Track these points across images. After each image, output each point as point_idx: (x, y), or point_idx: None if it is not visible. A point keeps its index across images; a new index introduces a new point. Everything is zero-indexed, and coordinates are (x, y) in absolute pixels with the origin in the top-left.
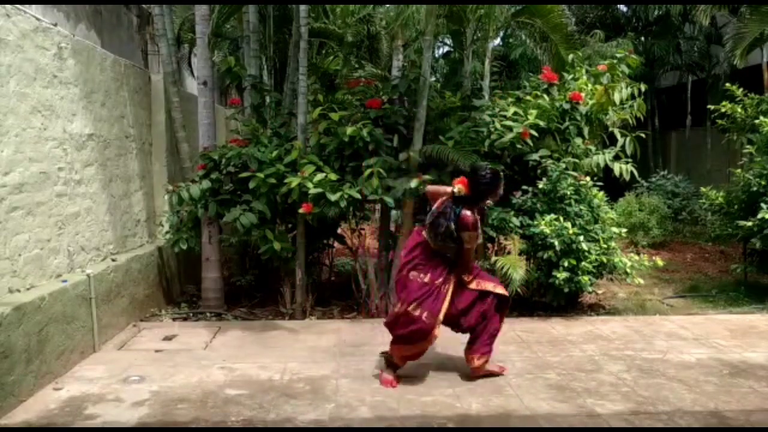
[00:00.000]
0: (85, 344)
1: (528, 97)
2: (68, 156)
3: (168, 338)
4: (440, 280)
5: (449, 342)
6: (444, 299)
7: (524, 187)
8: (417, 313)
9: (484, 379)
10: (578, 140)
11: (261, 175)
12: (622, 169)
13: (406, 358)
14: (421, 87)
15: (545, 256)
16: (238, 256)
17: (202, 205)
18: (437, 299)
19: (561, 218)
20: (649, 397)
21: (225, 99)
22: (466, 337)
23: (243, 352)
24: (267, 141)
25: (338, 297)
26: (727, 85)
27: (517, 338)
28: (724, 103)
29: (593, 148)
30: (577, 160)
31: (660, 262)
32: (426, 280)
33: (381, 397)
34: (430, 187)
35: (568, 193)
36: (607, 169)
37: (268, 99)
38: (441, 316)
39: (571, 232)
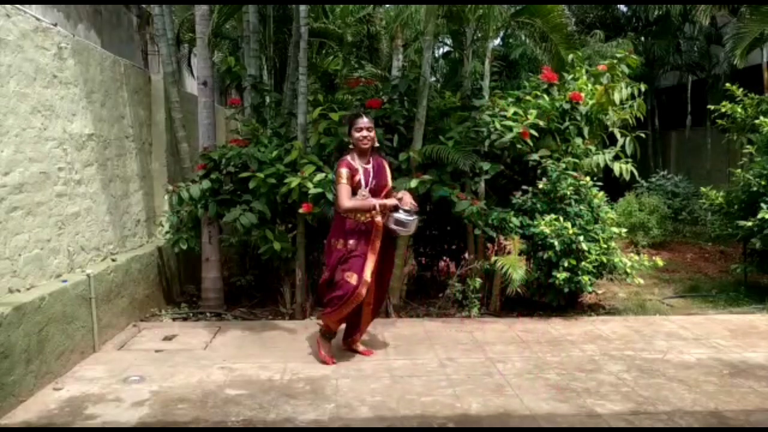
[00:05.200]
0: (85, 344)
1: (528, 97)
2: (68, 156)
3: (168, 338)
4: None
5: (450, 342)
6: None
7: (524, 187)
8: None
9: (484, 378)
10: (578, 140)
11: (261, 175)
12: (622, 169)
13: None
14: (421, 87)
15: (545, 256)
16: (238, 256)
17: (202, 205)
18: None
19: (561, 218)
20: (649, 397)
21: (225, 99)
22: (466, 339)
23: (243, 352)
24: (267, 141)
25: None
26: (727, 85)
27: (517, 338)
28: (724, 103)
29: (593, 148)
30: (577, 160)
31: (660, 262)
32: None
33: (381, 397)
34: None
35: (568, 193)
36: (607, 169)
37: (268, 99)
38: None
39: (571, 232)
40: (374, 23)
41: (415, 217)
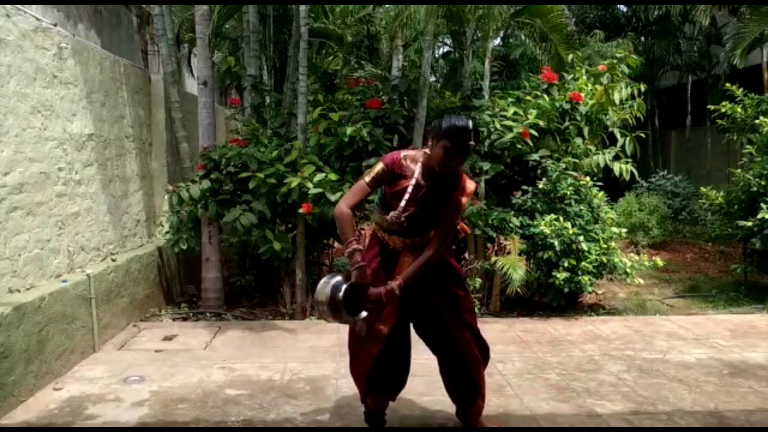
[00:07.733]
0: (85, 344)
1: (528, 97)
2: (68, 156)
3: (168, 338)
4: None
5: None
6: None
7: (524, 187)
8: None
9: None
10: (578, 140)
11: (261, 175)
12: (622, 169)
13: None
14: (421, 87)
15: (545, 256)
16: (238, 256)
17: (202, 205)
18: None
19: (561, 218)
20: (649, 397)
21: (225, 99)
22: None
23: (243, 352)
24: (267, 141)
25: None
26: (727, 85)
27: (517, 338)
28: (724, 103)
29: (593, 148)
30: (577, 160)
31: (660, 262)
32: None
33: None
34: None
35: (568, 193)
36: (607, 169)
37: (268, 99)
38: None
39: (571, 232)
40: (374, 23)
41: (334, 290)
